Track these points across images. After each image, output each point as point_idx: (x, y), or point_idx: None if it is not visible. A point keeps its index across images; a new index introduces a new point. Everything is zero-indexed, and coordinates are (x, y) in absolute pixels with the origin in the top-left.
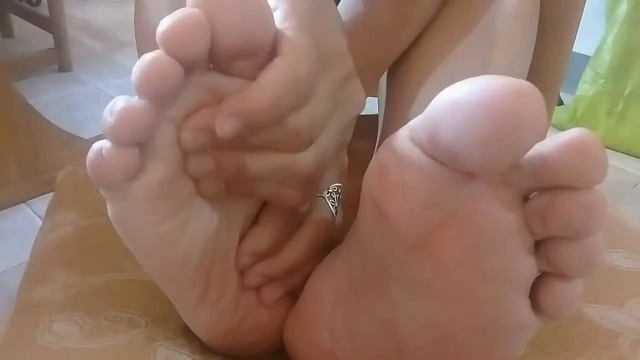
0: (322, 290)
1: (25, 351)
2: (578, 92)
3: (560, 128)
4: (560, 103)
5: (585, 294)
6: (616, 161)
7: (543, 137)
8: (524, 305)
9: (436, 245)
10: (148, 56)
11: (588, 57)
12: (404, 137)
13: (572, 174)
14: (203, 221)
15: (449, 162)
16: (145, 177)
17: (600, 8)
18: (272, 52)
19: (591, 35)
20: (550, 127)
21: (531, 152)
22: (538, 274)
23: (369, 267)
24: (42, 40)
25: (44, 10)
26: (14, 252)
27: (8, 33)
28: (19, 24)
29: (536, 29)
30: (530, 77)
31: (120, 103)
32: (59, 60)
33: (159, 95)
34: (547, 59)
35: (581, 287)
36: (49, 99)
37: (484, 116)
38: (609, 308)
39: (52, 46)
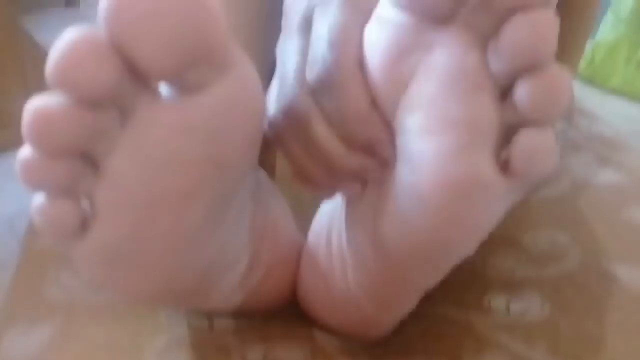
0: (322, 230)
1: (32, 304)
2: (597, 38)
3: (577, 75)
4: None
5: (615, 253)
6: (634, 110)
7: None
8: (489, 159)
9: (410, 98)
10: (36, 102)
11: (609, 2)
12: (382, 4)
13: None
14: None
15: (414, 4)
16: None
17: None
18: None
19: None
20: None
21: None
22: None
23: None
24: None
25: None
26: (25, 193)
27: None
28: None
29: None
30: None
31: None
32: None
33: (60, 149)
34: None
35: (552, 139)
36: (55, 35)
37: None
38: (637, 267)
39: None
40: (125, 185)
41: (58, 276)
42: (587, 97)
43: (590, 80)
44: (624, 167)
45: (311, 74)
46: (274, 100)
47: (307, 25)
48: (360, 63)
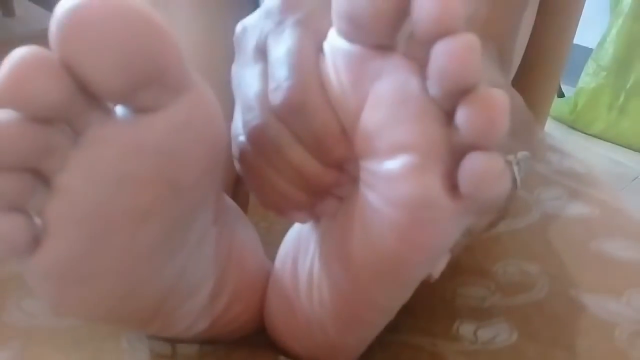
0: (288, 254)
1: None
2: (579, 85)
3: (561, 120)
4: (561, 95)
5: (583, 283)
6: (616, 154)
7: None
8: (437, 181)
9: (364, 124)
10: None
11: (591, 50)
12: (332, 34)
13: (426, 20)
14: None
15: (356, 34)
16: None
17: (604, 1)
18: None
19: (594, 28)
20: (550, 119)
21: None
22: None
23: None
24: (42, 19)
25: None
26: None
27: (9, 12)
28: (20, 3)
29: (536, 9)
30: (530, 65)
31: None
32: None
33: (9, 164)
34: (547, 46)
35: (501, 163)
36: None
37: None
38: (606, 298)
39: None
40: (76, 203)
41: (19, 302)
42: (572, 141)
43: (574, 126)
44: (593, 201)
45: (276, 99)
46: (239, 130)
47: (261, 51)
48: (322, 85)
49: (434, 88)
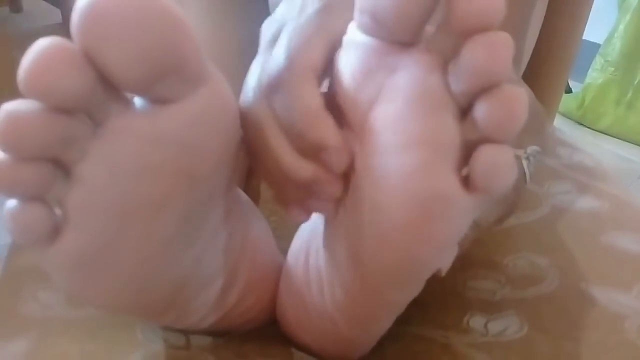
0: (301, 249)
1: (8, 319)
2: (587, 80)
3: (568, 116)
4: (569, 91)
5: (593, 276)
6: (623, 150)
7: None
8: (451, 176)
9: (375, 117)
10: (8, 106)
11: (598, 45)
12: (351, 28)
13: (471, 13)
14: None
15: (378, 30)
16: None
17: None
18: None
19: (602, 23)
20: (557, 115)
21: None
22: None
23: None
24: (50, 15)
25: None
26: None
27: (17, 8)
28: None
29: (546, 5)
30: (539, 60)
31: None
32: (66, 35)
33: (31, 154)
34: (557, 42)
35: (511, 155)
36: None
37: None
38: (616, 291)
39: (60, 21)
40: (95, 192)
41: (35, 293)
42: (579, 137)
43: (581, 122)
44: (603, 194)
45: (265, 78)
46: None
47: (275, 41)
48: (317, 72)
49: (459, 82)
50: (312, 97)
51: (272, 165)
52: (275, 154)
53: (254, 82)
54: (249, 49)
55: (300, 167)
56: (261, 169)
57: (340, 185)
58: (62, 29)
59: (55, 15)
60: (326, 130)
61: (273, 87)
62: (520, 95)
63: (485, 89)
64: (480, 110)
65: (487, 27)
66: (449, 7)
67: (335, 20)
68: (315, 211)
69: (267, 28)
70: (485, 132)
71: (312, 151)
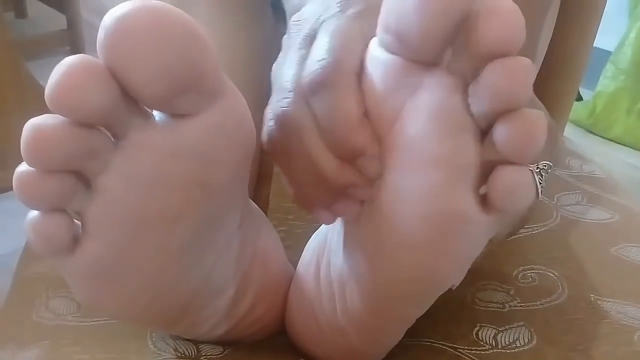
0: (312, 260)
1: (21, 327)
2: (598, 88)
3: (579, 124)
4: (580, 98)
5: (603, 288)
6: (634, 159)
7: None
8: (469, 196)
9: (396, 135)
10: (34, 121)
11: (609, 53)
12: (373, 43)
13: (492, 39)
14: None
15: (401, 49)
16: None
17: (623, 4)
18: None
19: (613, 31)
20: (568, 123)
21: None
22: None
23: None
24: (55, 21)
25: None
26: (22, 233)
27: (22, 13)
28: (32, 5)
29: (556, 13)
30: (550, 67)
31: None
32: (71, 42)
33: (54, 166)
34: (568, 50)
35: (530, 177)
36: None
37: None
38: (626, 303)
39: (65, 27)
40: (115, 203)
41: (47, 301)
42: (589, 145)
43: (592, 130)
44: (613, 206)
45: (307, 77)
46: (270, 112)
47: (311, 38)
48: (358, 74)
49: (480, 105)
50: (355, 102)
51: (307, 167)
52: (314, 157)
53: (289, 81)
54: (257, 58)
55: (340, 172)
56: (291, 169)
57: (371, 190)
58: (67, 35)
59: (60, 21)
60: (366, 137)
61: (314, 88)
62: (539, 119)
63: (505, 112)
64: (500, 133)
65: (507, 53)
66: (470, 31)
67: (374, 24)
68: (341, 214)
69: (298, 24)
70: (505, 154)
71: (349, 156)
